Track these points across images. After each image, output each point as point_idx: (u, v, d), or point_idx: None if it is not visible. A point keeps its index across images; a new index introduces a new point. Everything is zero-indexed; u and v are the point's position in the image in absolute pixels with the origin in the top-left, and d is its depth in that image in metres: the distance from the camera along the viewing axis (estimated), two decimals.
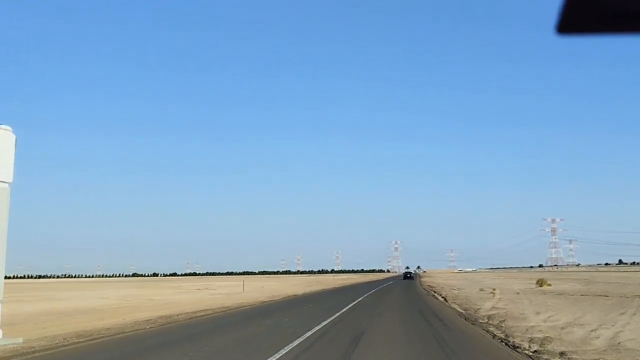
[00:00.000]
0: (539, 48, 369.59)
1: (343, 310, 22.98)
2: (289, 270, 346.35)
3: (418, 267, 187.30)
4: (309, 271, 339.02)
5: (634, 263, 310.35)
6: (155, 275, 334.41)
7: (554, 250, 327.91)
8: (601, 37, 1.77)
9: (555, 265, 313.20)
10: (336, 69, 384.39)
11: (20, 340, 13.36)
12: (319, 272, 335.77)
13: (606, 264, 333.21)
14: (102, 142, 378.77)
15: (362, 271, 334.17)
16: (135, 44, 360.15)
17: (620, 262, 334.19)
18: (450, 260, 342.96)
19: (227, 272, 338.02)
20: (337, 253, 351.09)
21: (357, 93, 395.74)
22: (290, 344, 12.23)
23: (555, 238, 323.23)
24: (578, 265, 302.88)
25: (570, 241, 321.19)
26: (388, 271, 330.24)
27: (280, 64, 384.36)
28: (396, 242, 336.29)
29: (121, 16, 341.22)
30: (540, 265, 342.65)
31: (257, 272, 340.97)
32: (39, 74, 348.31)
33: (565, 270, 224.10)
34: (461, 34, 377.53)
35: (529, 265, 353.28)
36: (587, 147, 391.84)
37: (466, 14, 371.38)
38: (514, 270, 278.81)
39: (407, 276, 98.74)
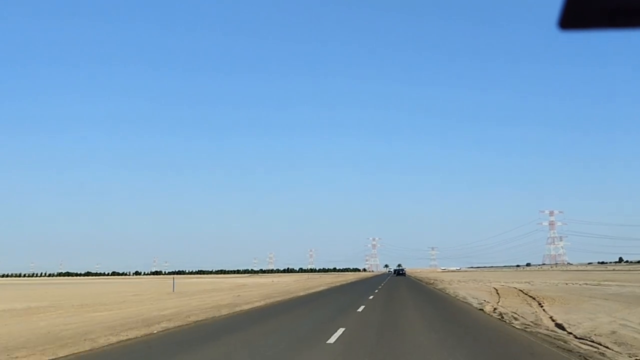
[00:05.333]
0: (532, 46, 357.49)
1: None
2: (251, 269, 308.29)
3: (399, 265, 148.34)
4: (275, 270, 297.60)
5: (626, 261, 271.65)
6: (115, 274, 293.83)
7: (552, 246, 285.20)
8: (603, 32, 1.72)
9: (554, 263, 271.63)
10: (314, 69, 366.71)
11: None
12: (285, 270, 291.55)
13: (601, 262, 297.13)
14: (75, 141, 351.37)
15: (335, 270, 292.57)
16: (131, 45, 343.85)
17: (621, 260, 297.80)
18: (432, 259, 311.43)
19: (173, 271, 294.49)
20: (311, 251, 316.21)
21: (337, 92, 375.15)
22: None
23: (553, 233, 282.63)
24: (568, 263, 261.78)
25: (561, 238, 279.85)
26: (364, 270, 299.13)
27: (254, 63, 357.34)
28: (374, 239, 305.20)
29: (123, 17, 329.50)
30: (528, 264, 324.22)
31: (213, 271, 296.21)
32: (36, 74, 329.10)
33: (567, 269, 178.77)
34: (455, 31, 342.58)
35: (516, 264, 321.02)
36: (575, 144, 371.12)
37: (465, 13, 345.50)
38: (503, 270, 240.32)
39: (400, 273, 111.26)
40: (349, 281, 64.67)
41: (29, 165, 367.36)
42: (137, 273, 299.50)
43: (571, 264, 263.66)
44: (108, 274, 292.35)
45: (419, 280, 66.40)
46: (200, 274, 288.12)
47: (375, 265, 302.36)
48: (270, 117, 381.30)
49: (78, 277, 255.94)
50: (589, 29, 1.69)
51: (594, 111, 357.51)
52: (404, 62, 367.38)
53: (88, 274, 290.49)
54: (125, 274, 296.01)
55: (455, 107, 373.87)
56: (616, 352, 8.54)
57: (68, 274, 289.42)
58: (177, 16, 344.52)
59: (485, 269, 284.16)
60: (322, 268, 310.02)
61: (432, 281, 56.90)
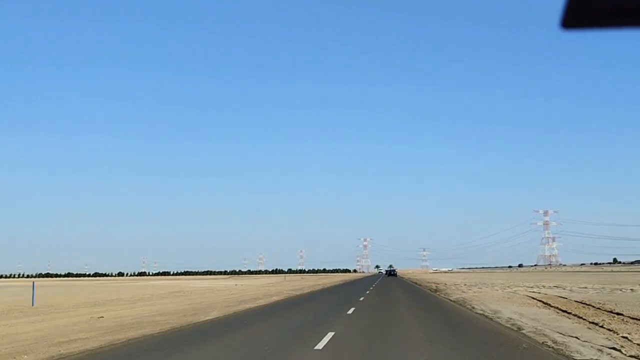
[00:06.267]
0: (529, 47, 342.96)
1: None
2: (239, 270, 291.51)
3: (390, 266, 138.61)
4: (264, 271, 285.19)
5: (620, 262, 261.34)
6: (97, 275, 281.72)
7: (546, 247, 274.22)
8: (605, 32, 1.70)
9: (548, 264, 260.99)
10: (309, 70, 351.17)
11: None
12: (273, 271, 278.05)
13: (595, 263, 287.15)
14: (55, 141, 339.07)
15: (324, 271, 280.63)
16: (131, 47, 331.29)
17: (615, 260, 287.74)
18: (423, 260, 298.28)
19: (158, 272, 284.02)
20: (301, 252, 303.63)
21: (330, 94, 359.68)
22: None
23: (548, 233, 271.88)
24: (561, 265, 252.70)
25: (554, 238, 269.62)
26: (355, 271, 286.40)
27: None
28: (365, 240, 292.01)
29: (124, 20, 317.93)
30: (520, 265, 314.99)
31: (200, 271, 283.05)
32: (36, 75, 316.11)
33: (563, 270, 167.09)
34: (453, 32, 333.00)
35: (508, 265, 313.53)
36: (569, 144, 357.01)
37: (464, 14, 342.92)
38: (496, 271, 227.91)
39: (391, 274, 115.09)
40: (329, 285, 50.62)
41: (20, 166, 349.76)
42: (120, 274, 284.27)
43: (565, 265, 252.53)
44: (90, 275, 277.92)
45: (416, 284, 52.20)
46: (186, 274, 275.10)
47: (367, 266, 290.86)
48: (263, 119, 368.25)
49: (55, 279, 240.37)
50: (591, 29, 1.64)
51: (589, 112, 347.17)
52: (400, 64, 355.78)
53: (69, 274, 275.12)
54: (108, 275, 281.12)
55: (448, 108, 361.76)
56: None
57: (48, 275, 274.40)
58: (177, 18, 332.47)
59: (477, 270, 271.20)
60: (311, 269, 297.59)
61: (434, 286, 42.66)
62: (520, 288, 37.02)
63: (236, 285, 53.83)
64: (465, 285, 44.00)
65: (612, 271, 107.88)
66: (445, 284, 46.20)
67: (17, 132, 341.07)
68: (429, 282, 53.88)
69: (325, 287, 46.20)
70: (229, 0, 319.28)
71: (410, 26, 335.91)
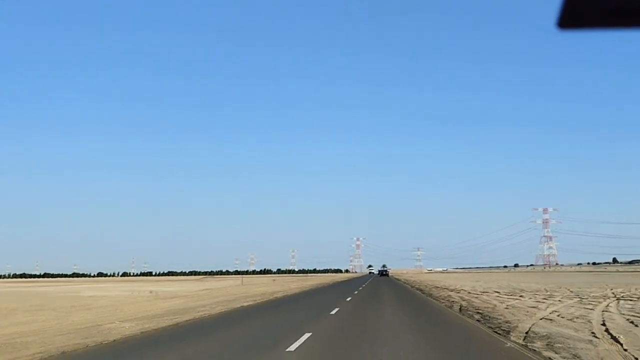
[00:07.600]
0: (526, 47, 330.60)
1: None
2: (226, 271, 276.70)
3: (383, 266, 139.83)
4: (252, 271, 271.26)
5: (615, 261, 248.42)
6: (76, 275, 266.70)
7: (545, 246, 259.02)
8: (603, 32, 1.68)
9: (545, 263, 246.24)
10: (306, 71, 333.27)
11: None
12: (261, 272, 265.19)
13: (593, 262, 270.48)
14: (52, 141, 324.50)
15: (315, 271, 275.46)
16: (131, 48, 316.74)
17: (615, 260, 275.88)
18: (417, 259, 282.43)
19: (142, 272, 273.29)
20: (293, 251, 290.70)
21: (324, 95, 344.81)
22: None
23: (547, 232, 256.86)
24: (558, 264, 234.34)
25: (551, 237, 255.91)
26: (347, 271, 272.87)
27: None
28: (358, 239, 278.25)
29: (123, 20, 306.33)
30: (516, 265, 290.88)
31: (187, 272, 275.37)
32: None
33: (563, 270, 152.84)
34: (451, 32, 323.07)
35: (503, 265, 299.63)
36: (566, 143, 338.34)
37: (459, 13, 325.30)
38: (494, 271, 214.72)
39: (383, 273, 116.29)
40: (280, 295, 33.06)
41: (19, 167, 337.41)
42: (100, 274, 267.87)
43: (563, 265, 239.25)
44: (68, 275, 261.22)
45: (421, 291, 34.29)
46: (169, 275, 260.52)
47: (359, 266, 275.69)
48: (262, 120, 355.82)
49: (29, 280, 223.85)
50: (588, 29, 1.61)
51: (588, 111, 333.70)
52: (399, 64, 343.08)
53: (46, 275, 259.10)
54: (87, 276, 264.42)
55: (443, 107, 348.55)
56: None
57: (24, 276, 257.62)
58: (177, 18, 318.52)
59: (473, 270, 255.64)
60: (302, 269, 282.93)
61: (455, 297, 24.73)
62: (602, 301, 19.92)
63: (150, 292, 36.59)
64: (499, 293, 26.62)
65: (617, 271, 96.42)
66: (469, 292, 28.64)
67: (13, 132, 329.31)
68: (437, 287, 36.40)
69: (270, 298, 28.67)
70: (229, 0, 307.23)
71: (409, 26, 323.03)
